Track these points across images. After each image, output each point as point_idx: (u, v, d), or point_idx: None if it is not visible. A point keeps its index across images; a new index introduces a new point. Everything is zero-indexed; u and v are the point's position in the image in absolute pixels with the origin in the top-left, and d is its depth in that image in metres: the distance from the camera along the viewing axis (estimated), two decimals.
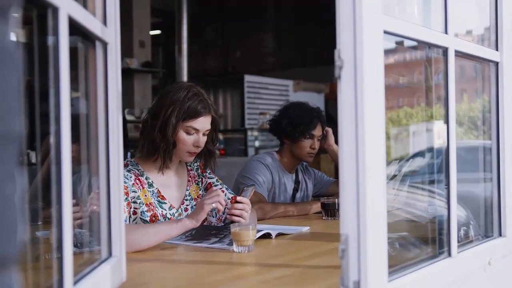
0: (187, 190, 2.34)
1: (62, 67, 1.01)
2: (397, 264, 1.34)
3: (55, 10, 0.99)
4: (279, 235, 2.17)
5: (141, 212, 2.15)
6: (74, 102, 1.10)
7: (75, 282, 1.10)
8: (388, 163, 1.29)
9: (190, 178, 2.38)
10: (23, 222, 0.61)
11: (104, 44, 1.35)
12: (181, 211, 2.28)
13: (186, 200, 2.33)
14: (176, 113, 2.15)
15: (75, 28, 1.12)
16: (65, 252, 1.01)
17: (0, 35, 0.57)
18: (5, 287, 0.58)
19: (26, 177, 0.65)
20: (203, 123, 2.21)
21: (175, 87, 2.26)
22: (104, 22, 1.35)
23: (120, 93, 1.41)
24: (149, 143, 2.20)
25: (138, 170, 2.22)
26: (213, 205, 1.97)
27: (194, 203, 2.33)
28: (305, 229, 2.35)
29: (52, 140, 1.01)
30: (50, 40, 1.02)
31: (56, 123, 1.01)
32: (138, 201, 2.15)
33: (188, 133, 2.19)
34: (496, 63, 1.81)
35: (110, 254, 1.37)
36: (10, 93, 0.58)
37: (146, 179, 2.22)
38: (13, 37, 0.60)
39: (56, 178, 1.00)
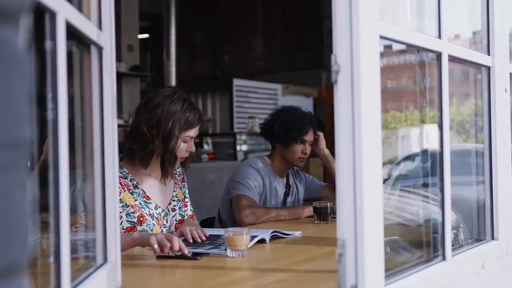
0: (174, 191, 2.43)
1: (59, 71, 1.01)
2: (393, 268, 1.34)
3: (53, 14, 0.99)
4: (273, 238, 2.18)
5: (126, 214, 2.20)
6: (68, 107, 1.10)
7: None
8: None
9: (176, 181, 2.47)
10: (33, 229, 0.61)
11: (100, 49, 1.34)
12: (168, 211, 2.37)
13: (174, 200, 2.42)
14: (178, 125, 2.24)
15: (71, 33, 1.11)
16: (63, 258, 1.00)
17: (10, 41, 0.57)
18: None
19: (35, 183, 0.65)
20: (197, 130, 2.34)
21: (164, 96, 2.28)
22: (100, 26, 1.34)
23: (115, 98, 1.40)
24: (149, 154, 2.26)
25: (121, 173, 2.26)
26: (155, 246, 1.81)
27: (181, 204, 2.44)
28: (298, 233, 2.35)
29: (49, 145, 1.00)
30: (47, 44, 1.01)
31: (53, 128, 1.00)
32: (121, 204, 2.19)
33: (185, 141, 2.30)
34: (488, 68, 1.82)
35: (105, 260, 1.36)
36: (21, 99, 0.57)
37: (130, 181, 2.28)
38: (22, 43, 0.60)
39: (53, 183, 1.00)
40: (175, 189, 2.44)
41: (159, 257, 1.87)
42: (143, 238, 1.90)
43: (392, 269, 1.33)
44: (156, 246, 1.81)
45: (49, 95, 1.01)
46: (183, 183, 2.52)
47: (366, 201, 1.15)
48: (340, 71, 1.17)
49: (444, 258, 1.52)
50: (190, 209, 2.52)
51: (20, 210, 0.58)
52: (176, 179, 2.47)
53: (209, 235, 2.21)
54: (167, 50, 8.53)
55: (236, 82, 8.13)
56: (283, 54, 9.46)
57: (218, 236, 2.19)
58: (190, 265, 1.78)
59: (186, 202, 2.52)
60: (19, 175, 0.58)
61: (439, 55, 1.52)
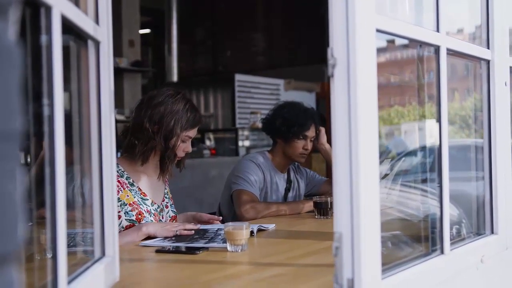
0: (165, 189, 2.48)
1: (55, 66, 1.01)
2: (390, 262, 1.34)
3: (48, 9, 0.99)
4: (259, 231, 2.23)
5: (125, 213, 2.23)
6: (66, 102, 1.10)
7: (69, 282, 1.09)
8: (380, 161, 1.30)
9: (166, 180, 2.50)
10: (23, 220, 0.62)
11: (97, 43, 1.34)
12: (163, 207, 2.42)
13: (166, 197, 2.46)
14: (180, 124, 2.28)
15: (67, 27, 1.11)
16: (59, 252, 1.01)
17: (0, 34, 0.57)
18: (6, 285, 0.59)
19: (26, 175, 0.65)
20: (196, 131, 2.39)
21: (167, 95, 2.32)
22: (97, 21, 1.34)
23: (113, 93, 1.40)
24: (149, 150, 2.29)
25: (117, 171, 2.26)
26: (177, 232, 2.13)
27: (171, 202, 2.49)
28: (272, 226, 2.39)
29: (45, 140, 1.00)
30: (43, 39, 1.01)
31: (49, 123, 1.00)
32: (119, 203, 2.21)
33: (183, 141, 2.33)
34: (488, 61, 1.82)
35: (103, 253, 1.37)
36: (11, 92, 0.58)
37: (126, 179, 2.31)
38: (12, 35, 0.60)
39: (49, 178, 1.00)
40: (166, 186, 2.49)
41: (157, 252, 1.88)
42: (157, 231, 2.11)
43: (390, 263, 1.34)
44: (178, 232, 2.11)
45: (45, 91, 1.01)
46: (167, 184, 2.56)
47: (362, 194, 1.16)
48: (336, 64, 1.17)
49: (442, 252, 1.52)
50: (173, 210, 2.53)
51: (10, 201, 0.58)
52: (166, 177, 2.50)
53: (200, 229, 2.23)
54: (168, 45, 8.54)
55: (238, 77, 8.13)
56: (285, 49, 9.45)
57: (206, 230, 2.22)
58: (188, 260, 1.78)
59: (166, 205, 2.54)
60: (10, 166, 0.59)
61: (437, 49, 1.52)
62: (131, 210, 2.24)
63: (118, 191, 2.22)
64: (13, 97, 0.58)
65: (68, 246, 1.11)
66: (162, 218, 2.38)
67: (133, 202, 2.26)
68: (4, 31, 0.57)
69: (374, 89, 1.21)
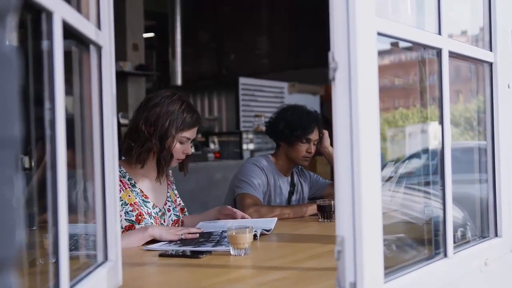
0: (168, 192, 2.47)
1: (56, 71, 1.01)
2: (393, 265, 1.34)
3: (49, 14, 0.99)
4: (262, 234, 2.22)
5: (125, 212, 2.23)
6: (67, 107, 1.10)
7: (71, 286, 1.09)
8: (384, 164, 1.29)
9: (169, 183, 2.51)
10: (21, 226, 0.62)
11: (99, 48, 1.35)
12: (165, 210, 2.41)
13: (168, 201, 2.46)
14: (175, 124, 2.27)
15: (69, 32, 1.12)
16: (61, 256, 1.01)
17: None
18: None
19: (23, 181, 0.65)
20: (195, 132, 2.37)
21: (164, 97, 2.33)
22: (98, 25, 1.35)
23: (115, 97, 1.41)
24: (146, 152, 2.29)
25: (120, 172, 2.28)
26: (182, 236, 2.12)
27: (174, 205, 2.47)
28: (273, 220, 2.43)
29: (47, 145, 1.01)
30: (44, 44, 1.02)
31: (51, 128, 1.01)
32: (120, 202, 2.22)
33: (181, 142, 2.33)
34: (490, 64, 1.81)
35: (106, 258, 1.37)
36: (9, 98, 0.58)
37: (128, 180, 2.31)
38: (11, 41, 0.60)
39: (51, 183, 1.00)
40: (168, 190, 2.48)
41: (161, 256, 1.88)
42: (162, 234, 2.10)
43: (393, 266, 1.33)
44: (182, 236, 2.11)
45: (47, 95, 1.02)
46: (173, 185, 2.56)
47: (364, 198, 1.15)
48: (337, 68, 1.17)
49: (445, 255, 1.51)
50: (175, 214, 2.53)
51: (7, 206, 0.58)
52: (169, 181, 2.51)
53: (203, 232, 2.23)
54: (172, 49, 8.54)
55: (242, 80, 8.13)
56: (289, 52, 9.44)
57: (210, 233, 2.21)
58: (192, 264, 1.78)
59: (179, 200, 2.55)
60: (7, 171, 0.59)
61: (439, 52, 1.52)
62: (131, 211, 2.24)
63: (120, 190, 2.22)
64: (11, 104, 0.58)
65: (70, 250, 1.11)
66: (164, 221, 2.37)
67: (134, 203, 2.26)
68: (2, 37, 0.58)
69: (375, 92, 1.21)
